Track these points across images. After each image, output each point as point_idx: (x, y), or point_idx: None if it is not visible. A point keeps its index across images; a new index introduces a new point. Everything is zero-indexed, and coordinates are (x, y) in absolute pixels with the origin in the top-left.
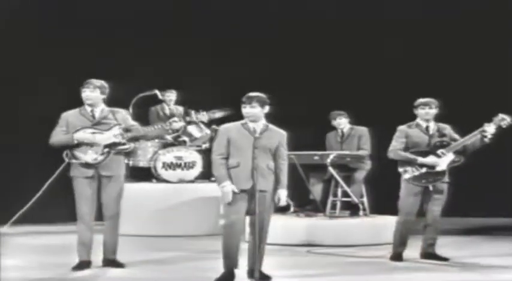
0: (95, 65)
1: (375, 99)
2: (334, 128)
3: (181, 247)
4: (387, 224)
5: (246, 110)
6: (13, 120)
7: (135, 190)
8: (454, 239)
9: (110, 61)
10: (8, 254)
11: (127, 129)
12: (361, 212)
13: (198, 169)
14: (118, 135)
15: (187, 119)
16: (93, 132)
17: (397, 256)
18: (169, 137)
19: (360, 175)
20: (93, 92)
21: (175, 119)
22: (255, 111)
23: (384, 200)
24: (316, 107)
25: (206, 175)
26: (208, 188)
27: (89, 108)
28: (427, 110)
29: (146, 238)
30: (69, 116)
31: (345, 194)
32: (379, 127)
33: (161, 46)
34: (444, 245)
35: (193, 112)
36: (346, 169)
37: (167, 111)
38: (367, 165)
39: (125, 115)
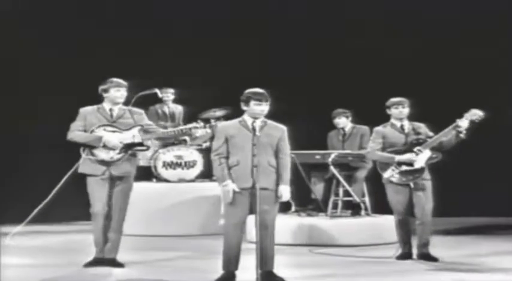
0: (93, 64)
1: (376, 98)
2: (336, 127)
3: (181, 247)
4: (389, 223)
5: (261, 107)
6: (21, 120)
7: (134, 189)
8: (452, 238)
9: (108, 59)
10: (13, 253)
11: (145, 130)
12: (362, 212)
13: (198, 168)
14: (138, 136)
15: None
16: (114, 131)
17: (403, 255)
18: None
19: (362, 174)
20: (125, 91)
21: (196, 125)
22: (267, 109)
23: (385, 199)
24: (318, 106)
25: (206, 174)
26: (208, 188)
27: (107, 107)
28: (400, 109)
29: (146, 237)
30: (87, 113)
31: (347, 193)
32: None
33: (160, 44)
34: (442, 245)
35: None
36: (348, 168)
37: (166, 111)
38: (369, 164)
39: (141, 115)
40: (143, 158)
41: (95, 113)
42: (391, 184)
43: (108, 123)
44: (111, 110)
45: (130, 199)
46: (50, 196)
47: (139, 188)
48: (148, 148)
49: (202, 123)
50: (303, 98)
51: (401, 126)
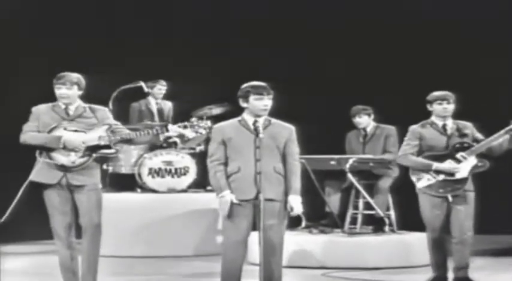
0: (72, 56)
1: (402, 93)
2: (356, 127)
3: (171, 270)
4: (419, 242)
5: (263, 101)
6: None
7: (115, 201)
8: (497, 260)
9: (89, 51)
10: None
11: (113, 131)
12: (387, 228)
13: (191, 176)
14: (105, 137)
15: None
16: (76, 130)
17: (436, 280)
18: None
19: (386, 183)
20: (70, 90)
21: (166, 124)
22: (271, 104)
23: (414, 213)
24: (333, 102)
25: (201, 183)
26: (203, 199)
27: (63, 105)
28: (445, 106)
29: (129, 259)
30: (41, 112)
31: (368, 206)
32: (406, 126)
33: (149, 33)
34: (485, 268)
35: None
36: (369, 176)
37: (154, 107)
38: (394, 172)
39: (105, 113)
40: (126, 165)
41: (50, 112)
42: (426, 195)
43: (68, 122)
44: (66, 108)
45: (108, 213)
46: (7, 213)
47: (121, 199)
48: (116, 151)
49: (186, 123)
50: (316, 93)
51: (444, 126)
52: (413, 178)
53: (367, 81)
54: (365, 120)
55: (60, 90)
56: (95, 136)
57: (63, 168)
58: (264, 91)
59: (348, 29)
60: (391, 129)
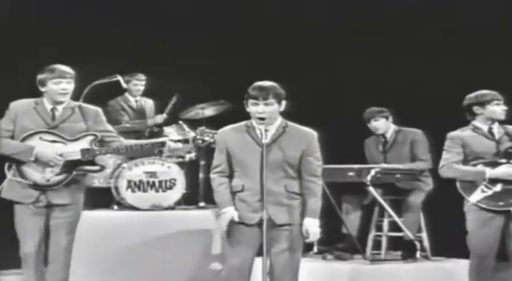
0: (42, 47)
1: (428, 91)
2: (373, 133)
3: None
4: (457, 270)
5: (258, 108)
6: None
7: (88, 220)
8: None
9: (61, 41)
10: None
11: (101, 141)
12: (418, 254)
13: (179, 191)
14: (88, 150)
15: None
16: (54, 141)
17: None
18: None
19: (416, 198)
20: (70, 84)
21: (174, 138)
22: (272, 110)
23: (451, 235)
24: (351, 102)
25: (191, 198)
26: (194, 218)
27: (49, 105)
28: (502, 107)
29: None
30: (19, 111)
31: (394, 226)
32: (435, 130)
33: (129, 19)
34: None
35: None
36: (395, 190)
37: (133, 105)
38: (427, 184)
39: (97, 118)
40: (100, 177)
41: (31, 113)
42: (479, 211)
43: (47, 129)
44: (53, 109)
45: (78, 236)
46: None
47: (95, 219)
48: (102, 167)
49: (188, 133)
50: (328, 93)
51: (490, 130)
52: (463, 192)
53: (387, 78)
54: (382, 124)
55: (59, 85)
56: (75, 149)
57: (37, 187)
58: (260, 95)
59: (360, 26)
60: (417, 133)
